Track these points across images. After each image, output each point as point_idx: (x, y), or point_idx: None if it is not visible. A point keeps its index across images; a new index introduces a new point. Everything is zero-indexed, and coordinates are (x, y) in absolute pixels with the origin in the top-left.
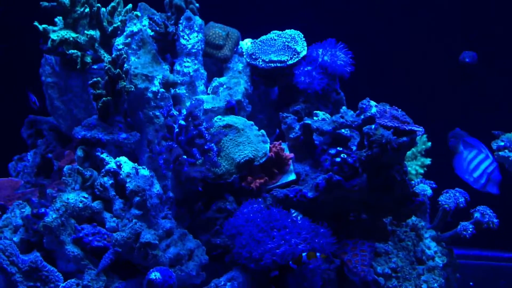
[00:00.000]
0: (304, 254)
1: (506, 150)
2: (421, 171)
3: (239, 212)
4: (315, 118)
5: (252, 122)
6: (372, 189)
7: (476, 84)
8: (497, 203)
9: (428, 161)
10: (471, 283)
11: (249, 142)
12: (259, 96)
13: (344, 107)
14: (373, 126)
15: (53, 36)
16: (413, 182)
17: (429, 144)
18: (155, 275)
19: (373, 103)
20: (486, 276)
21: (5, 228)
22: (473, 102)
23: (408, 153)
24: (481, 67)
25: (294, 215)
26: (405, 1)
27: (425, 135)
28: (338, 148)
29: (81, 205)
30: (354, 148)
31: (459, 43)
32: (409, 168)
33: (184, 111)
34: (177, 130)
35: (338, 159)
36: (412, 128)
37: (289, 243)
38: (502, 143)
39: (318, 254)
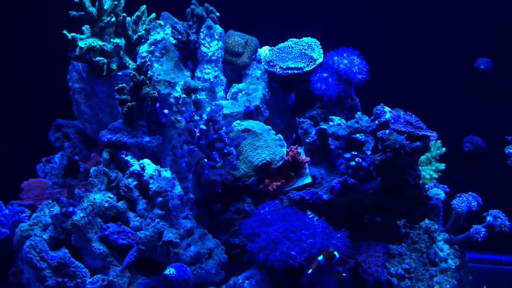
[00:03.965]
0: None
1: None
2: (436, 176)
3: (257, 213)
4: (330, 123)
5: (269, 127)
6: (386, 192)
7: (490, 90)
8: (510, 207)
9: (442, 166)
10: (484, 287)
11: (267, 146)
12: (277, 102)
13: (359, 113)
14: (387, 131)
15: (81, 44)
16: (426, 186)
17: (444, 149)
18: (169, 271)
19: (387, 109)
20: (499, 279)
21: (35, 226)
22: (486, 108)
23: (423, 158)
24: (494, 72)
25: (310, 216)
26: (419, 7)
27: (439, 141)
28: (353, 153)
29: (106, 205)
30: (368, 152)
31: (472, 49)
32: (423, 173)
33: (204, 116)
34: (198, 134)
35: (353, 163)
36: (426, 133)
37: (305, 244)
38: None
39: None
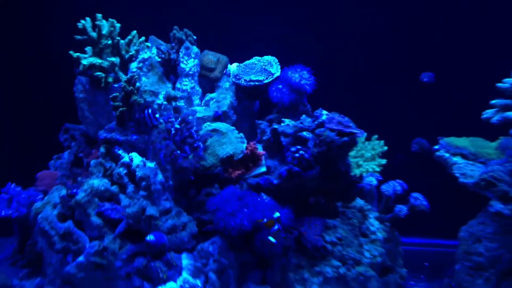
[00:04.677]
0: (276, 227)
1: (442, 151)
2: (378, 169)
3: (220, 193)
4: (282, 124)
5: (233, 127)
6: (323, 178)
7: (434, 97)
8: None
9: (383, 161)
10: (426, 264)
11: (230, 142)
12: (243, 109)
13: (304, 115)
14: (322, 129)
15: (84, 62)
16: (364, 175)
17: (386, 148)
18: (150, 237)
19: (324, 112)
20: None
21: (47, 205)
22: (432, 113)
23: (368, 155)
24: (437, 83)
25: (264, 197)
26: (367, 20)
27: (382, 141)
28: (298, 147)
29: (103, 188)
30: (311, 147)
31: (418, 58)
32: (367, 167)
33: (180, 119)
34: (173, 132)
35: (297, 155)
36: (352, 130)
37: (255, 216)
38: (437, 146)
39: (277, 227)
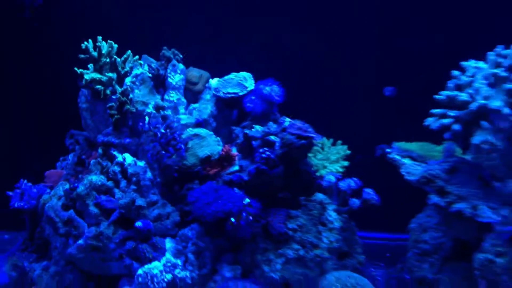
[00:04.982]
0: (243, 214)
1: (393, 153)
2: (341, 170)
3: (199, 187)
4: (253, 129)
5: (212, 133)
6: (287, 176)
7: (397, 108)
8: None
9: (346, 163)
10: (387, 254)
11: (209, 145)
12: (223, 117)
13: (270, 122)
14: (285, 133)
15: (86, 76)
16: (324, 173)
17: (349, 152)
18: (138, 223)
19: (287, 119)
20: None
21: (53, 197)
22: (395, 122)
23: (334, 157)
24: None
25: (236, 191)
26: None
27: (346, 146)
28: (265, 148)
29: (99, 183)
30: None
31: (379, 72)
32: (332, 168)
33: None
34: (159, 135)
35: (264, 155)
36: (309, 134)
37: (228, 206)
38: (390, 150)
39: (244, 214)
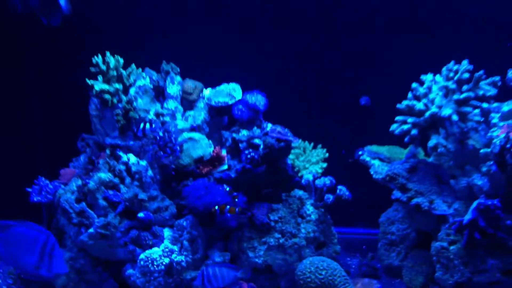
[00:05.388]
0: (227, 207)
1: (364, 155)
2: (320, 171)
3: (192, 183)
4: (239, 134)
5: (204, 136)
6: (269, 174)
7: (372, 117)
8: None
9: (325, 165)
10: (364, 246)
11: (201, 147)
12: (215, 123)
13: (255, 127)
14: (266, 137)
15: (96, 87)
16: (304, 173)
17: (327, 154)
18: (140, 214)
19: (269, 124)
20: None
21: (67, 192)
22: (371, 128)
23: (314, 160)
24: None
25: (224, 187)
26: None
27: (325, 149)
28: (250, 150)
29: (107, 179)
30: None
31: (356, 78)
32: (312, 169)
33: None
34: (158, 138)
35: (249, 156)
36: (287, 138)
37: (216, 199)
38: (361, 152)
39: (228, 206)
